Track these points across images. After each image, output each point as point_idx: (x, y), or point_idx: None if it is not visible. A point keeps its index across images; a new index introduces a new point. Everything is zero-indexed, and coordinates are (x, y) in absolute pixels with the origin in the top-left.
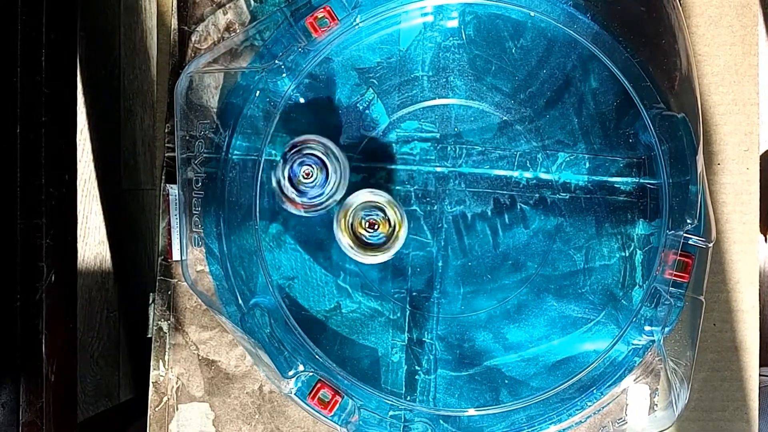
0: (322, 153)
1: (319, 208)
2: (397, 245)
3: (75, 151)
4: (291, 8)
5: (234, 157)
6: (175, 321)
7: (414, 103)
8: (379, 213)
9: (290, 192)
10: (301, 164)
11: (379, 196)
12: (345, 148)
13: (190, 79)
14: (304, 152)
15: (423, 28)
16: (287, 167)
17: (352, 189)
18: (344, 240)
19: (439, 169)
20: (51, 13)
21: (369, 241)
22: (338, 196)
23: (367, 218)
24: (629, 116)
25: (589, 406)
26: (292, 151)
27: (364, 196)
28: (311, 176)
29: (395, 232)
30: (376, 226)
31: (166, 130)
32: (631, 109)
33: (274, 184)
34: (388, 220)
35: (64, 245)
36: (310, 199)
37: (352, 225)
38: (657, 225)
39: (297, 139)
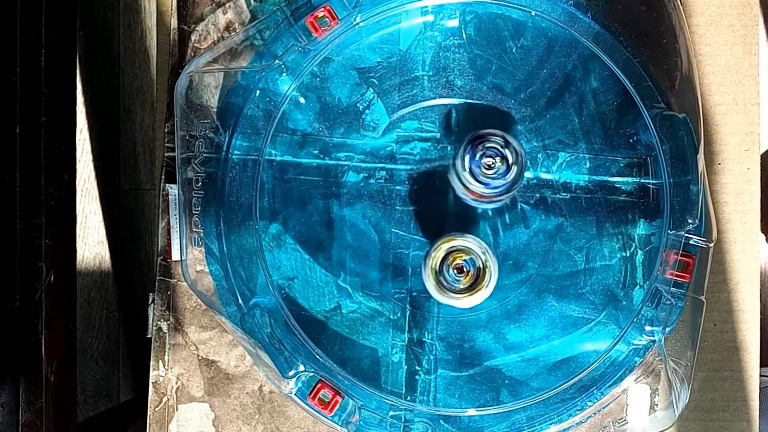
0: (501, 145)
1: (503, 196)
2: (486, 292)
3: (74, 151)
4: (291, 7)
5: (234, 156)
6: (174, 321)
7: (414, 103)
8: (468, 259)
9: (473, 185)
10: (482, 156)
11: (470, 243)
12: (345, 147)
13: (190, 79)
14: (486, 145)
15: (423, 27)
16: (467, 160)
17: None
18: (429, 282)
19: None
20: (51, 13)
21: (453, 285)
22: (519, 185)
23: (454, 264)
24: (630, 116)
25: (590, 406)
26: (471, 146)
27: (452, 242)
28: (493, 167)
29: (482, 278)
30: (463, 270)
31: (166, 130)
32: (631, 108)
33: (455, 178)
34: (476, 266)
35: (63, 245)
36: (493, 189)
37: (440, 266)
38: (658, 225)
39: (473, 134)
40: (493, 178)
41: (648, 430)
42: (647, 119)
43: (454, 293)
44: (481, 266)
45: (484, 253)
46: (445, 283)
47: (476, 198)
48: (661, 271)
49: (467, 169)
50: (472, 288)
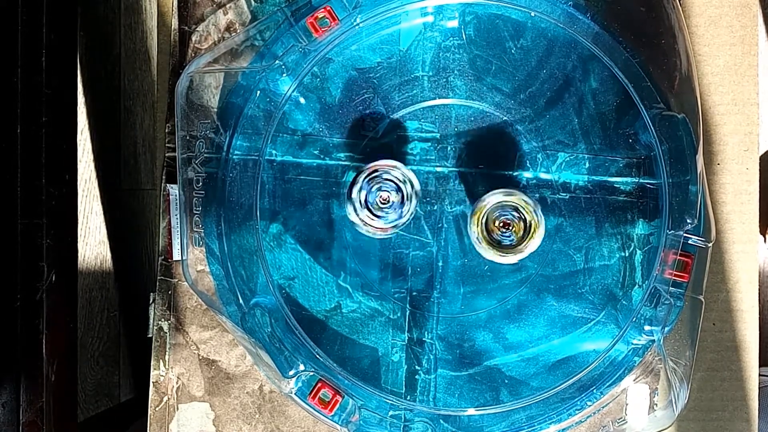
0: (398, 179)
1: (392, 230)
2: (532, 246)
3: (75, 151)
4: (291, 8)
5: (234, 157)
6: (175, 321)
7: (414, 103)
8: (515, 213)
9: (366, 216)
10: (379, 189)
11: (515, 196)
12: (346, 147)
13: (191, 79)
14: (384, 177)
15: (423, 28)
16: (364, 192)
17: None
18: (476, 236)
19: (439, 169)
20: (51, 13)
21: (501, 241)
22: (408, 218)
23: (501, 218)
24: (629, 116)
25: (589, 405)
26: (368, 177)
27: (498, 196)
28: (388, 201)
29: (531, 233)
30: (510, 227)
31: (167, 130)
32: (631, 109)
33: (350, 210)
34: (524, 221)
35: (64, 245)
36: (387, 222)
37: (486, 223)
38: (657, 225)
39: (371, 165)
40: (387, 212)
41: (647, 429)
42: (646, 119)
43: (508, 249)
44: (525, 216)
45: (529, 208)
46: (496, 243)
47: (374, 230)
48: (660, 270)
49: (363, 201)
50: (525, 237)
